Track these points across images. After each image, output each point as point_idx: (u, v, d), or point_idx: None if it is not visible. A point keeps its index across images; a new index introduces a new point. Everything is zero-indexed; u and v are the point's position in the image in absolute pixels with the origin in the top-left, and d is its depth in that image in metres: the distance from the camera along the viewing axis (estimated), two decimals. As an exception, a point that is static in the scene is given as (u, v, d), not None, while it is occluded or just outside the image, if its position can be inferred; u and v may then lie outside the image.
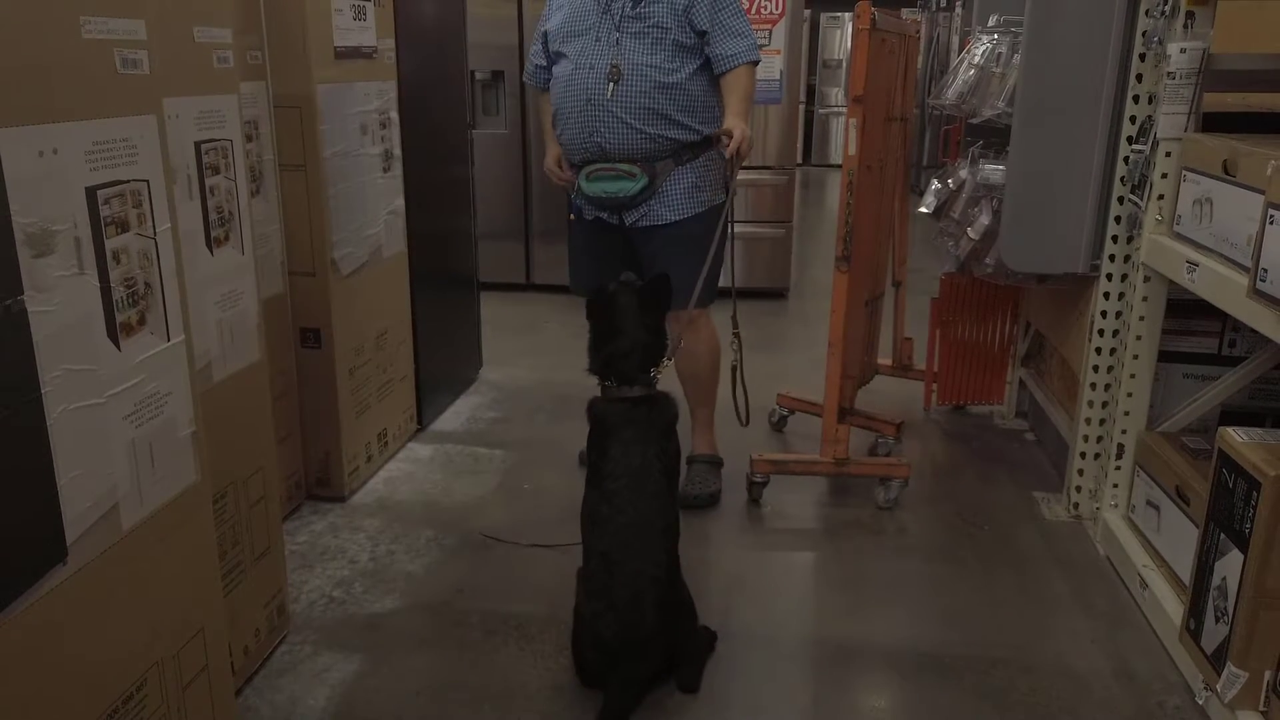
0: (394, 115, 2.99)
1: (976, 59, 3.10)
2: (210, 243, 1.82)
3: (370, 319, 2.93)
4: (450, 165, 3.58)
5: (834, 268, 2.69)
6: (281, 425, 2.65)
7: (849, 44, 11.35)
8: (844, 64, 11.14)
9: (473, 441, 3.28)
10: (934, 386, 3.57)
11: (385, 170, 2.96)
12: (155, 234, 1.36)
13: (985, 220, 2.84)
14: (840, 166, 2.68)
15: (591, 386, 2.18)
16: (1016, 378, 3.50)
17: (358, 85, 2.76)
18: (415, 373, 3.28)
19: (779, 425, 3.40)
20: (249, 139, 2.42)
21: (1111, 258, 2.55)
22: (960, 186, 3.03)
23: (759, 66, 2.70)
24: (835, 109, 11.19)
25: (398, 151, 3.03)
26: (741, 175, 2.69)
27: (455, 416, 3.51)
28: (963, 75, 3.16)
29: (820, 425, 2.83)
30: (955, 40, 7.82)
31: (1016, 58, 2.77)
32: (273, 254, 2.56)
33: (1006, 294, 3.40)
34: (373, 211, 2.90)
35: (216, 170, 1.82)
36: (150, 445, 1.40)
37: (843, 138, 2.67)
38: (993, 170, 2.86)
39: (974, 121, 3.10)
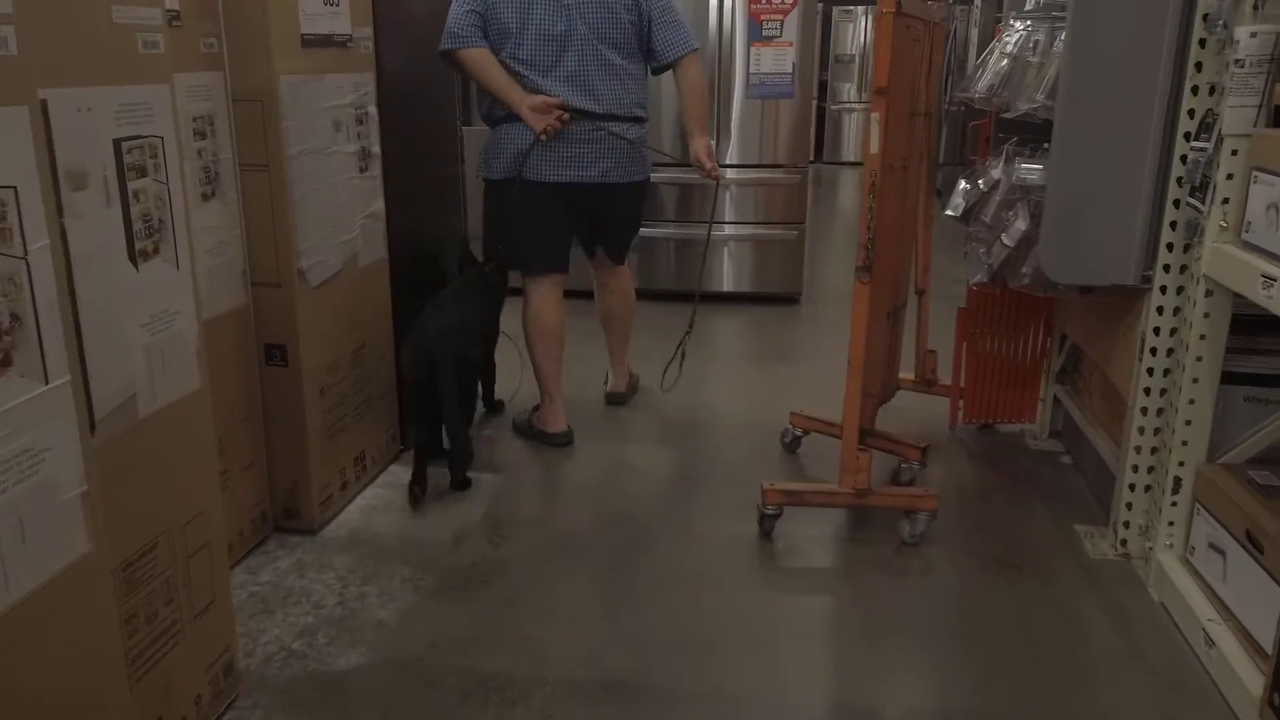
0: (372, 110, 2.74)
1: (1009, 48, 2.83)
2: (134, 256, 1.57)
3: (345, 333, 2.68)
4: (438, 164, 3.32)
5: (854, 278, 2.43)
6: (245, 452, 2.40)
7: (862, 38, 11.10)
8: (856, 59, 10.87)
9: (460, 463, 3.02)
10: (960, 403, 3.30)
11: (363, 170, 2.71)
12: (26, 253, 1.10)
13: (1022, 225, 2.56)
14: (854, 164, 2.42)
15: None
16: (1050, 394, 3.23)
17: (329, 77, 2.51)
18: (398, 389, 3.03)
19: (792, 446, 3.13)
20: (202, 136, 2.18)
21: (1166, 268, 2.28)
22: (992, 187, 2.76)
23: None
24: (848, 105, 10.91)
25: (377, 149, 2.77)
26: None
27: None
28: (994, 66, 2.88)
29: (838, 446, 2.57)
30: (975, 34, 7.53)
31: (1057, 45, 2.51)
32: (233, 263, 2.31)
33: (1039, 303, 3.12)
34: (348, 215, 2.65)
35: (142, 172, 1.57)
36: (19, 516, 1.14)
37: (856, 133, 2.41)
38: (1030, 170, 2.58)
39: (1006, 116, 2.83)
